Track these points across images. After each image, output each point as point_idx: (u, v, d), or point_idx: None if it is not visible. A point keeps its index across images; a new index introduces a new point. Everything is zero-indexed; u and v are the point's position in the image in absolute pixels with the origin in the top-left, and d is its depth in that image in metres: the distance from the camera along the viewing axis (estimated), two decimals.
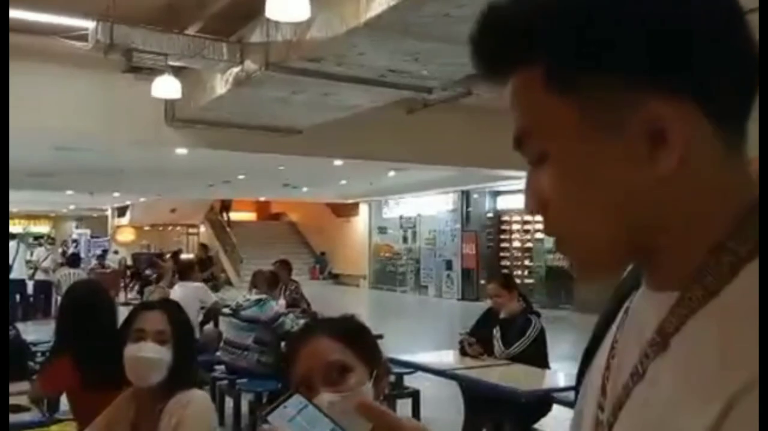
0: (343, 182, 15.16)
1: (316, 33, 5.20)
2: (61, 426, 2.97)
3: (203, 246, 18.04)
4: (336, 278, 21.15)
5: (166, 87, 6.07)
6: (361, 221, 21.06)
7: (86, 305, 2.72)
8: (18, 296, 11.15)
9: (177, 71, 6.32)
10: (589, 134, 0.46)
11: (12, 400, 2.66)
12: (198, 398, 1.76)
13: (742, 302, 0.44)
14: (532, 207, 0.51)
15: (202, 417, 1.73)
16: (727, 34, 0.46)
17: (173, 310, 1.87)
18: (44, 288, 12.13)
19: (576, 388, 0.60)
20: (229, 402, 4.86)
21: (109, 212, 25.68)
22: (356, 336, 1.10)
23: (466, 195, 16.45)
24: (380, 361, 1.10)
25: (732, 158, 0.47)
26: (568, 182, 0.48)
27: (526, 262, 15.62)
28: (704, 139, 0.46)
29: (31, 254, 12.43)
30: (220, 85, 6.65)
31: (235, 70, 6.20)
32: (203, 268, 10.26)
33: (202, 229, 24.64)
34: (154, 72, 6.15)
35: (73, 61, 7.00)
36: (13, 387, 2.79)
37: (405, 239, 18.83)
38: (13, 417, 2.58)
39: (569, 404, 3.14)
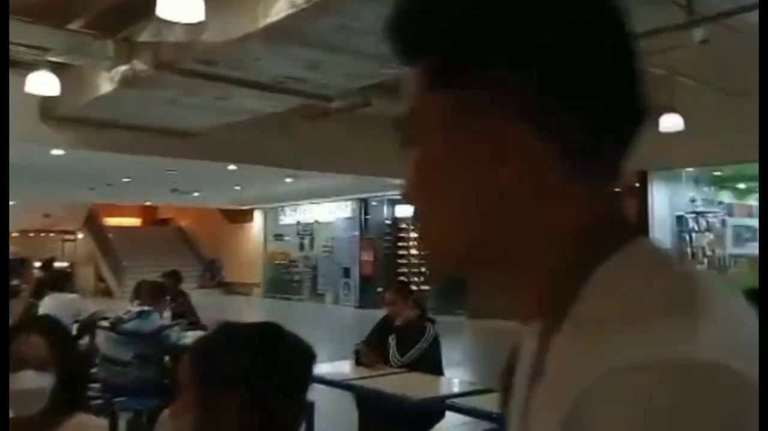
0: (238, 187, 14.80)
1: (211, 36, 5.04)
2: None
3: None
4: (228, 286, 20.58)
5: (43, 83, 5.64)
6: (255, 228, 20.64)
7: None
8: None
9: (59, 67, 5.89)
10: (449, 132, 0.50)
11: None
12: (92, 423, 1.68)
13: (585, 317, 0.46)
14: (403, 191, 0.54)
15: None
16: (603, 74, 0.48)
17: (52, 330, 1.72)
18: None
19: None
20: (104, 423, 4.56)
21: None
22: (199, 357, 1.09)
23: (364, 203, 16.56)
24: (220, 387, 1.04)
25: (581, 183, 0.49)
26: (425, 171, 0.52)
27: (423, 269, 15.95)
28: (546, 164, 0.48)
29: None
30: (106, 84, 6.28)
31: (123, 68, 5.88)
32: None
33: (80, 235, 23.09)
34: (32, 67, 5.71)
35: None
36: None
37: (302, 247, 18.65)
38: None
39: (463, 410, 3.22)
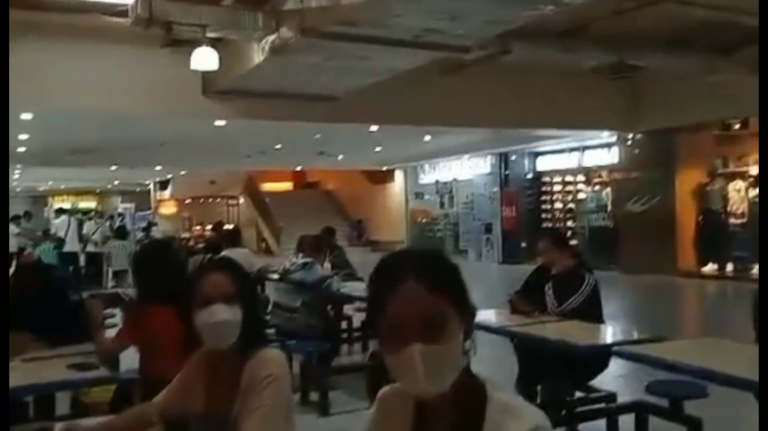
0: (378, 148, 15.10)
1: None
2: (100, 390, 3.05)
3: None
4: (374, 244, 21.28)
5: (205, 58, 6.08)
6: (396, 188, 21.04)
7: (163, 260, 2.96)
8: (71, 268, 11.57)
9: (213, 43, 6.33)
10: None
11: (75, 359, 2.77)
12: (279, 355, 1.74)
13: None
14: None
15: (287, 374, 1.72)
16: None
17: (234, 269, 1.80)
18: (95, 260, 12.56)
19: None
20: None
21: (151, 186, 26.19)
22: (449, 280, 1.04)
23: (504, 157, 16.22)
24: (469, 306, 1.04)
25: None
26: None
27: (569, 223, 15.40)
28: None
29: (82, 229, 12.80)
30: (257, 55, 6.64)
31: (271, 38, 6.17)
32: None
33: (241, 200, 24.97)
34: (191, 44, 6.16)
35: (110, 38, 7.06)
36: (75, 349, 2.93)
37: (442, 204, 18.74)
38: (78, 375, 2.66)
39: (633, 358, 3.09)
